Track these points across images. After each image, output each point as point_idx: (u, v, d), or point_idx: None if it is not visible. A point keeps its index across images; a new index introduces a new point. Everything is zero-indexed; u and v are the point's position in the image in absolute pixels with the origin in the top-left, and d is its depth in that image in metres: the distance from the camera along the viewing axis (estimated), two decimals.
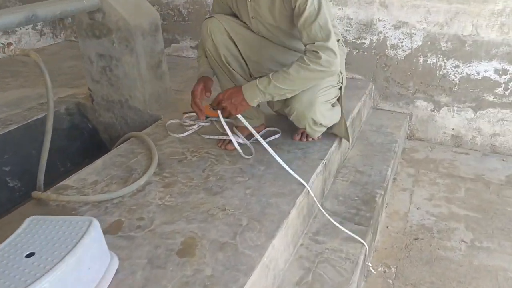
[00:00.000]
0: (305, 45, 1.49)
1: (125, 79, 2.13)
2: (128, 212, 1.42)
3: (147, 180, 1.58)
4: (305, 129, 1.72)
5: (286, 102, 1.69)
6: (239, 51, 1.75)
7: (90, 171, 1.68)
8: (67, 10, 1.82)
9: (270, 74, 1.49)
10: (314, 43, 1.45)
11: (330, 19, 1.49)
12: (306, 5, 1.45)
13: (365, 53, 2.56)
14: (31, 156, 2.05)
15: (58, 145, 2.24)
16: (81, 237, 1.05)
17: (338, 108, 1.78)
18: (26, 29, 3.24)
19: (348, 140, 1.86)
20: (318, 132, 1.74)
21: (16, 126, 2.06)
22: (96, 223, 1.11)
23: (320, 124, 1.67)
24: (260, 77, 1.52)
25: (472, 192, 2.10)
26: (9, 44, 1.54)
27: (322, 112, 1.63)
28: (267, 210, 1.41)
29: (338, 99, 1.80)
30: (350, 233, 1.53)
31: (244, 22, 1.71)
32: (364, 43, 2.55)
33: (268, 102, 1.92)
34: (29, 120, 2.11)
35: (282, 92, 1.50)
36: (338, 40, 1.71)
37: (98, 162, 1.74)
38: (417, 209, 1.99)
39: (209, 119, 2.08)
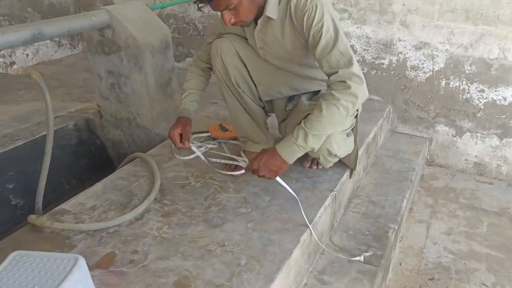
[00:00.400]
0: (328, 75, 1.38)
1: (133, 96, 2.09)
2: (123, 243, 1.36)
3: (146, 207, 1.52)
4: (319, 159, 1.63)
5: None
6: (249, 73, 1.68)
7: (89, 194, 1.63)
8: (76, 28, 1.79)
9: (302, 123, 1.35)
10: (337, 72, 1.33)
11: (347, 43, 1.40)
12: (322, 33, 1.35)
13: (384, 73, 2.45)
14: (36, 174, 2.00)
15: (64, 162, 2.21)
16: (64, 279, 0.99)
17: (352, 138, 1.68)
18: (44, 40, 3.26)
19: (354, 169, 1.75)
20: (331, 162, 1.64)
21: (23, 142, 2.04)
22: (81, 262, 1.04)
23: (335, 155, 1.57)
24: (281, 134, 1.42)
25: (495, 228, 1.95)
26: (12, 63, 1.51)
27: (338, 143, 1.52)
28: (268, 248, 1.32)
29: (352, 128, 1.69)
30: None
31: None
32: (383, 64, 2.44)
33: (280, 129, 1.83)
34: (37, 136, 2.09)
35: (322, 139, 1.38)
36: None
37: (99, 185, 1.69)
38: (434, 244, 1.86)
39: (217, 140, 2.01)
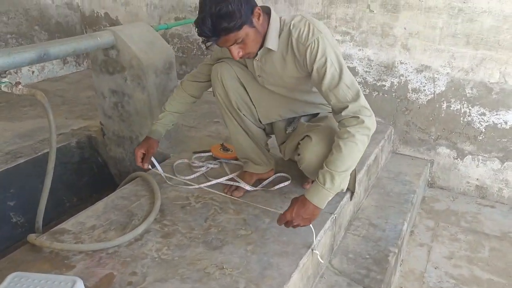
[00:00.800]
0: (336, 109, 1.39)
1: (136, 116, 2.11)
2: (122, 264, 1.35)
3: (146, 228, 1.52)
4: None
5: (297, 149, 1.61)
6: (249, 96, 1.69)
7: (89, 214, 1.63)
8: (81, 48, 1.82)
9: (325, 165, 1.35)
10: (347, 106, 1.34)
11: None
12: (326, 67, 1.37)
13: (385, 95, 2.47)
14: (38, 191, 2.01)
15: (66, 179, 2.22)
16: None
17: None
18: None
19: (353, 191, 1.75)
20: None
21: (25, 160, 2.05)
22: (79, 284, 1.05)
23: None
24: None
25: (497, 253, 1.94)
26: (17, 83, 1.53)
27: None
28: (267, 271, 1.32)
29: None
30: None
31: None
32: (385, 86, 2.46)
33: (280, 149, 1.84)
34: (39, 154, 2.10)
35: (348, 176, 1.38)
36: None
37: (99, 205, 1.69)
38: (435, 268, 1.85)
39: (218, 160, 2.02)
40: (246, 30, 1.33)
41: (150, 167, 1.78)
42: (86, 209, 1.66)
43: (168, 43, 3.13)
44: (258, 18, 1.37)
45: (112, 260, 1.37)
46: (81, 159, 2.31)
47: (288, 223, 1.40)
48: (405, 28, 2.29)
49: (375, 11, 2.34)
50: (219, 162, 2.00)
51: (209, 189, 1.77)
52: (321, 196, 1.36)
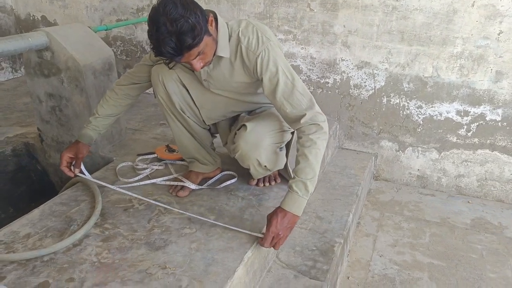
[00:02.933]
0: (292, 117, 1.41)
1: (76, 119, 2.03)
2: (58, 271, 1.29)
3: (85, 233, 1.45)
4: (249, 169, 1.64)
5: (234, 139, 1.61)
6: (192, 98, 1.67)
7: (24, 222, 1.54)
8: (10, 50, 1.72)
9: (295, 175, 1.39)
10: (305, 114, 1.38)
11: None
12: (278, 77, 1.39)
13: (329, 92, 2.53)
14: None
15: (0, 189, 2.09)
16: None
17: (284, 152, 1.71)
18: None
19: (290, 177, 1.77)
20: (261, 174, 1.66)
21: None
22: None
23: (265, 166, 1.59)
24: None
25: (437, 238, 2.03)
26: None
27: (268, 155, 1.55)
28: (211, 268, 1.30)
29: (287, 144, 1.72)
30: None
31: None
32: (328, 83, 2.52)
33: (228, 147, 1.82)
34: None
35: (316, 178, 1.41)
36: None
37: (35, 212, 1.60)
38: (380, 256, 1.90)
39: (163, 162, 1.98)
40: (206, 40, 1.30)
41: (79, 173, 1.69)
42: (20, 218, 1.57)
43: (111, 46, 3.05)
44: (212, 25, 1.35)
45: (48, 268, 1.30)
46: (17, 167, 2.19)
47: (274, 239, 1.39)
48: (344, 26, 2.36)
49: (315, 10, 2.39)
50: (164, 164, 1.96)
51: (153, 190, 1.73)
52: (298, 204, 1.40)
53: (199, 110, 1.69)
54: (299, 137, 1.43)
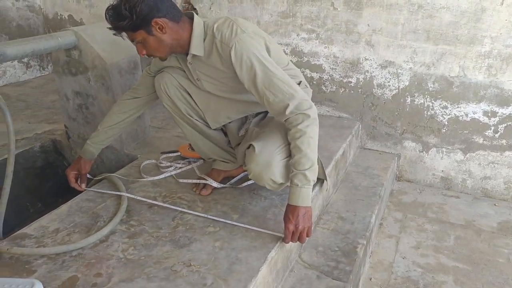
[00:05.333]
0: (278, 109, 1.39)
1: (101, 117, 2.05)
2: (86, 266, 1.32)
3: (111, 229, 1.49)
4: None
5: (244, 160, 1.57)
6: (195, 102, 1.69)
7: (53, 217, 1.59)
8: (40, 49, 1.76)
9: (293, 168, 1.38)
10: (288, 105, 1.36)
11: (281, 64, 1.44)
12: (255, 66, 1.38)
13: (352, 92, 2.51)
14: None
15: (30, 185, 2.15)
16: None
17: None
18: (12, 61, 3.21)
19: (325, 179, 1.76)
20: (280, 188, 1.57)
21: None
22: (38, 286, 1.01)
23: (281, 183, 1.52)
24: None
25: (462, 241, 1.99)
26: None
27: (281, 172, 1.47)
28: (235, 266, 1.31)
29: None
30: None
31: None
32: (351, 82, 2.50)
33: (237, 152, 1.77)
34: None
35: (316, 168, 1.40)
36: (300, 82, 1.64)
37: (63, 208, 1.65)
38: (403, 258, 1.88)
39: (187, 160, 2.00)
40: (142, 35, 1.40)
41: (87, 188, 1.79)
42: (49, 213, 1.61)
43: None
44: (161, 30, 1.40)
45: (76, 263, 1.33)
46: (45, 163, 2.24)
47: (294, 234, 1.40)
48: (368, 25, 2.34)
49: (339, 9, 2.37)
50: (188, 162, 1.98)
51: (177, 189, 1.75)
52: (303, 196, 1.39)
53: (203, 114, 1.71)
54: (288, 129, 1.41)
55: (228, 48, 1.40)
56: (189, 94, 1.66)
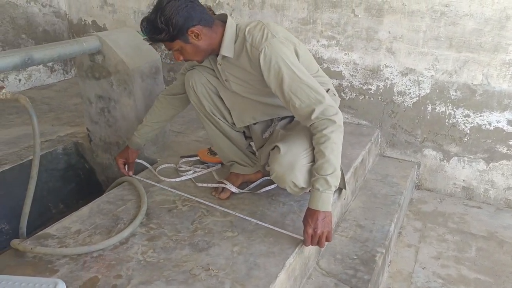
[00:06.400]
0: (304, 114, 1.39)
1: (123, 121, 2.10)
2: (107, 268, 1.34)
3: (131, 232, 1.51)
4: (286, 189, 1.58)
5: (268, 160, 1.59)
6: (223, 101, 1.70)
7: (74, 218, 1.62)
8: (66, 53, 1.81)
9: (315, 173, 1.39)
10: (314, 110, 1.36)
11: (311, 70, 1.45)
12: (282, 71, 1.39)
13: (372, 99, 2.49)
14: (23, 198, 1.98)
15: (52, 186, 2.20)
16: None
17: None
18: (37, 66, 3.29)
19: (344, 188, 1.75)
20: (300, 192, 1.57)
21: (10, 166, 2.03)
22: (61, 286, 1.03)
23: (302, 187, 1.51)
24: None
25: (484, 252, 1.95)
26: (1, 87, 1.52)
27: (304, 176, 1.47)
28: (253, 272, 1.31)
29: None
30: None
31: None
32: (371, 89, 2.48)
33: (259, 155, 1.79)
34: (24, 160, 2.08)
35: (338, 173, 1.40)
36: (328, 90, 1.63)
37: (84, 209, 1.68)
38: (423, 269, 1.85)
39: (206, 164, 2.02)
40: (180, 44, 1.45)
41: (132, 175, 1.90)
42: (71, 214, 1.65)
43: (156, 50, 3.13)
44: (197, 38, 1.44)
45: (97, 264, 1.36)
46: (67, 165, 2.29)
47: (314, 238, 1.40)
48: (389, 32, 2.32)
49: (359, 16, 2.37)
50: (207, 166, 2.00)
51: (196, 192, 1.77)
52: (324, 200, 1.39)
53: (230, 113, 1.72)
54: (313, 134, 1.41)
55: (258, 51, 1.41)
56: (215, 94, 1.69)
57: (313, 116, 1.37)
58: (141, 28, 1.44)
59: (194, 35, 1.43)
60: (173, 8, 1.37)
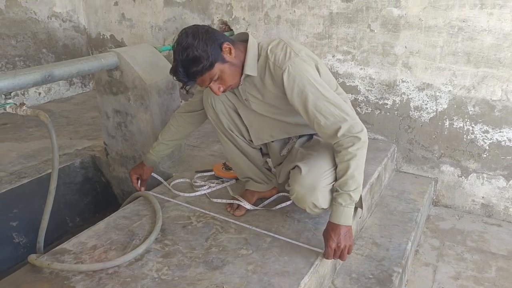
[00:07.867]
0: (330, 132, 1.38)
1: (139, 135, 2.12)
2: (122, 285, 1.34)
3: (146, 248, 1.51)
4: (305, 209, 1.56)
5: (288, 179, 1.59)
6: (241, 118, 1.70)
7: (91, 234, 1.63)
8: (85, 70, 1.84)
9: (338, 188, 1.40)
10: (340, 127, 1.35)
11: (331, 87, 1.45)
12: (306, 90, 1.38)
13: (388, 114, 2.47)
14: (41, 212, 2.01)
15: (69, 199, 2.23)
16: None
17: None
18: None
19: (361, 208, 1.73)
20: (319, 213, 1.55)
21: (29, 180, 2.06)
22: None
23: (322, 208, 1.50)
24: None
25: (504, 272, 1.90)
26: (22, 104, 1.56)
27: (325, 197, 1.45)
28: None
29: None
30: None
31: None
32: (387, 104, 2.46)
33: (277, 172, 1.78)
34: (42, 174, 2.11)
35: (360, 187, 1.41)
36: None
37: (101, 224, 1.69)
38: None
39: (220, 179, 2.02)
40: (219, 67, 1.41)
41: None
42: (87, 229, 1.66)
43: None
44: (230, 53, 1.43)
45: (112, 281, 1.36)
46: (84, 179, 2.32)
47: (336, 252, 1.41)
48: (405, 47, 2.31)
49: (375, 31, 2.36)
50: (221, 181, 2.00)
51: (211, 208, 1.77)
52: (346, 215, 1.40)
53: (247, 130, 1.72)
54: (337, 151, 1.40)
55: (281, 70, 1.41)
56: (234, 110, 1.68)
57: (339, 134, 1.36)
58: (174, 76, 1.41)
59: (228, 51, 1.42)
60: (196, 36, 1.37)
